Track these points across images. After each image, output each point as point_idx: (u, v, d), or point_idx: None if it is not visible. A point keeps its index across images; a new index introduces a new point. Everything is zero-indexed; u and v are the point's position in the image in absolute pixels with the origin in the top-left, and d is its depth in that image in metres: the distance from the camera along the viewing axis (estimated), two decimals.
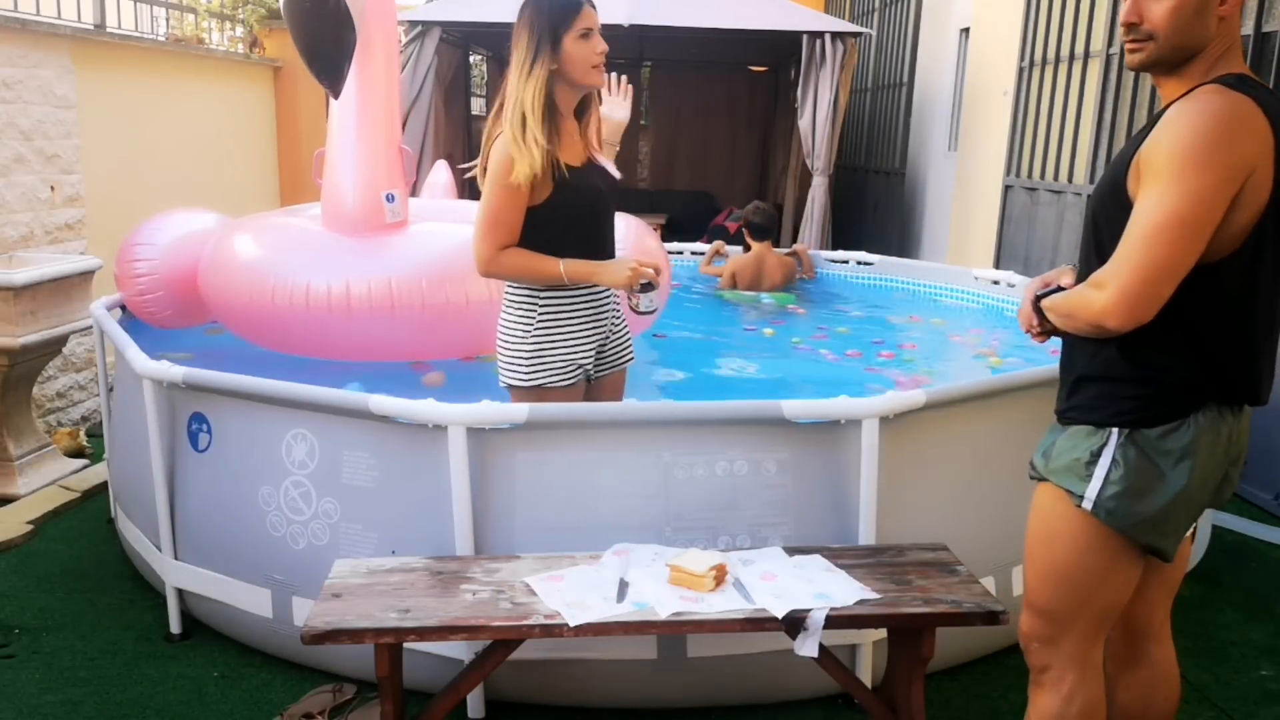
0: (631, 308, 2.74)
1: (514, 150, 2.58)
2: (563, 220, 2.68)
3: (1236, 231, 1.73)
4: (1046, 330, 1.95)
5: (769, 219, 5.96)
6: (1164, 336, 1.78)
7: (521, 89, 2.62)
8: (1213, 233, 1.70)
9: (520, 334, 2.73)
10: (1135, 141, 1.82)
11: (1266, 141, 1.71)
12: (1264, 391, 1.87)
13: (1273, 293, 1.81)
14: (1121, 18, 1.87)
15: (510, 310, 2.77)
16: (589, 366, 2.82)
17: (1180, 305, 1.74)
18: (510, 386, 2.78)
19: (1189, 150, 1.68)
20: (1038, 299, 1.96)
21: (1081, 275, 1.90)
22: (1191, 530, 2.03)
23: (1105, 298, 1.73)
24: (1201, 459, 1.81)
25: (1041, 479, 1.97)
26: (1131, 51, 1.85)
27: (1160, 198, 1.70)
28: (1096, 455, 1.85)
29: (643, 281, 2.65)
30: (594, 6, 2.71)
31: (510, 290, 2.78)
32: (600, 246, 2.76)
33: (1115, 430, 1.84)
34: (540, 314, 2.72)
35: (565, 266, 2.64)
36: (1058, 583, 1.95)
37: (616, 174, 2.85)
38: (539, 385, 2.73)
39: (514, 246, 2.67)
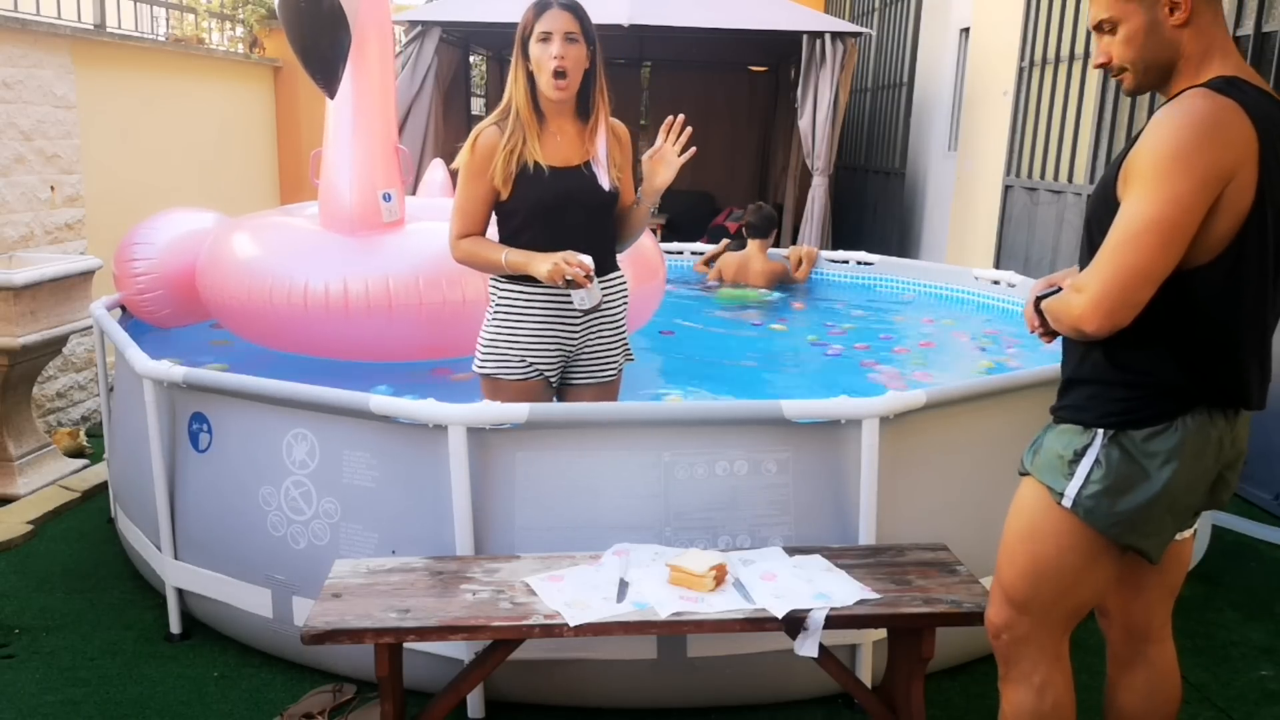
0: (580, 306, 2.74)
1: (470, 140, 2.73)
2: (523, 216, 2.75)
3: (1218, 237, 1.72)
4: (1049, 330, 1.95)
5: (764, 219, 6.00)
6: (1148, 341, 1.78)
7: (511, 90, 2.75)
8: (1190, 238, 1.70)
9: (486, 321, 2.85)
10: (1129, 145, 1.83)
11: (1249, 147, 1.69)
12: (1255, 396, 1.86)
13: (1260, 298, 1.80)
14: (1094, 62, 1.94)
15: (490, 298, 2.88)
16: (548, 369, 2.81)
17: (1163, 310, 1.74)
18: (475, 371, 2.88)
19: (1166, 156, 1.68)
20: (1039, 299, 1.97)
21: None
22: (1191, 532, 2.03)
23: (1082, 302, 1.75)
24: (1187, 462, 1.81)
25: (1026, 474, 1.98)
26: (1120, 83, 1.91)
27: (1138, 203, 1.70)
28: (1080, 454, 1.86)
29: (566, 278, 2.60)
30: (569, 9, 2.66)
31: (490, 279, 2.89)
32: (564, 247, 2.68)
33: (1101, 431, 1.84)
34: (496, 304, 2.82)
35: (507, 255, 2.71)
36: (1035, 577, 1.95)
37: (606, 185, 2.76)
38: (489, 374, 2.82)
39: (478, 235, 2.80)
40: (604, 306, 2.84)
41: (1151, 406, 1.81)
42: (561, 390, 2.91)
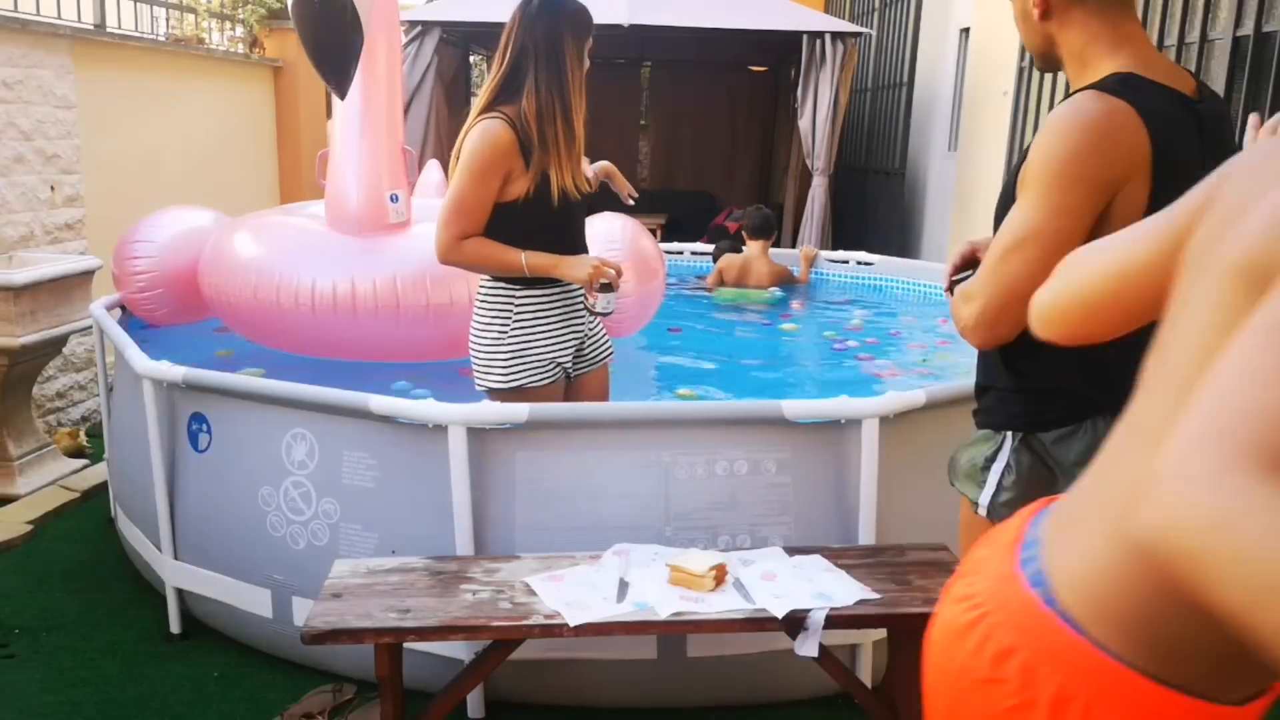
0: (588, 307, 2.80)
1: (488, 137, 2.60)
2: (537, 219, 2.68)
3: None
4: None
5: (764, 220, 6.01)
6: (1045, 351, 1.68)
7: (575, 90, 2.67)
8: (1077, 247, 1.63)
9: (496, 335, 2.73)
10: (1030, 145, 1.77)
11: (1141, 150, 1.61)
12: None
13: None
14: None
15: (484, 311, 2.76)
16: (568, 365, 2.84)
17: None
18: (489, 390, 2.77)
19: (1051, 164, 1.61)
20: (954, 281, 1.93)
21: None
22: None
23: (967, 315, 1.69)
24: None
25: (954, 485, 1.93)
26: None
27: (1021, 212, 1.64)
28: (991, 460, 1.80)
29: (602, 281, 2.65)
30: None
31: (483, 290, 2.78)
32: (570, 249, 2.75)
33: (1010, 434, 1.79)
34: (517, 314, 2.73)
35: (527, 258, 2.64)
36: None
37: (593, 184, 2.87)
38: (519, 386, 2.73)
39: (477, 236, 2.68)
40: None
41: (1057, 409, 1.75)
42: (576, 381, 2.91)
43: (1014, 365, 1.78)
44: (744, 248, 6.15)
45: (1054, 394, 1.75)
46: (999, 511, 1.78)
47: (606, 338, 3.00)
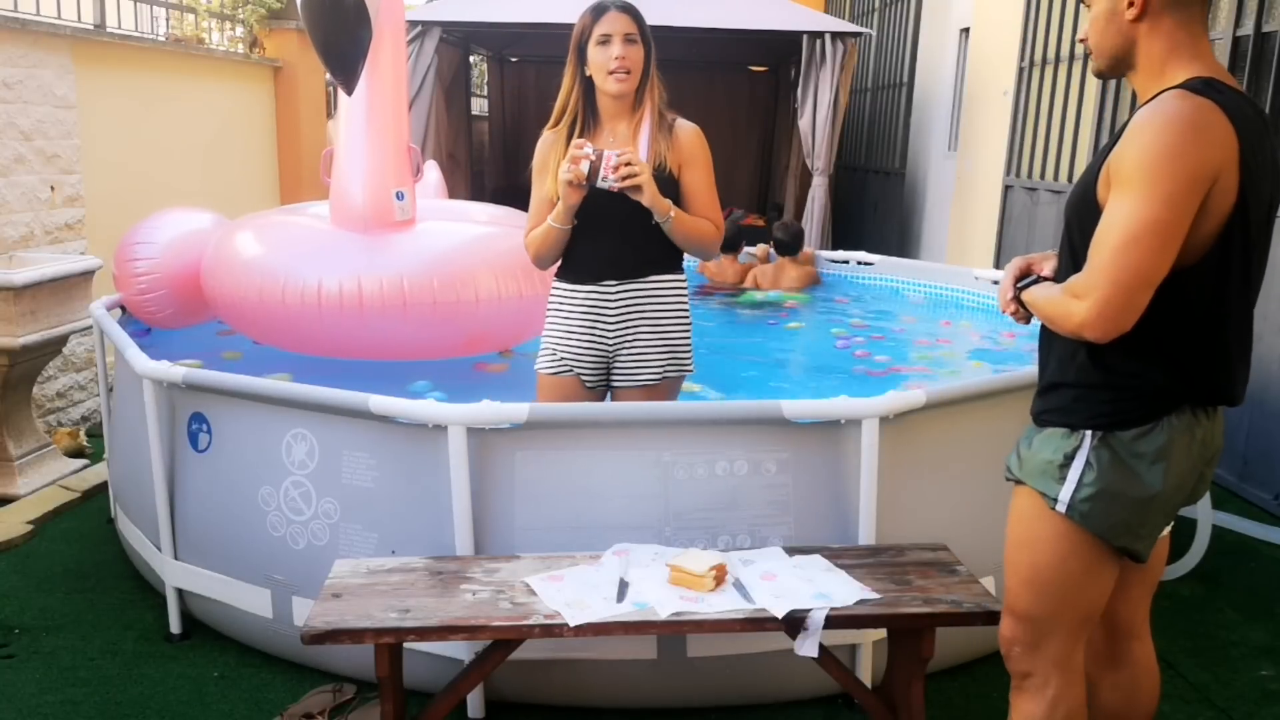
0: (614, 182, 2.61)
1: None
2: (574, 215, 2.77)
3: (1204, 237, 1.73)
4: (1028, 315, 1.97)
5: (793, 236, 6.14)
6: (1135, 344, 1.77)
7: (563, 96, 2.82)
8: (1183, 239, 1.70)
9: None
10: (1108, 146, 1.82)
11: (1231, 146, 1.69)
12: (1239, 393, 1.87)
13: (1243, 296, 1.81)
14: (1079, 37, 1.99)
15: None
16: (582, 369, 2.83)
17: (1151, 312, 1.74)
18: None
19: (1155, 158, 1.68)
20: (1019, 288, 1.97)
21: (1060, 277, 1.90)
22: (1169, 529, 2.03)
23: (1084, 310, 1.73)
24: (1177, 461, 1.82)
25: (1018, 481, 1.96)
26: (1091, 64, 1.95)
27: (1130, 206, 1.69)
28: (1070, 458, 1.85)
29: (587, 161, 2.57)
30: (627, 11, 2.70)
31: None
32: (604, 242, 2.75)
33: (1089, 433, 1.84)
34: (547, 302, 2.92)
35: (551, 218, 2.74)
36: (1039, 587, 1.94)
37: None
38: (537, 369, 2.90)
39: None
40: (646, 309, 2.81)
41: (1138, 408, 1.81)
42: (614, 394, 2.92)
43: (1103, 360, 1.82)
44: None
45: (1138, 390, 1.81)
46: (1079, 507, 1.84)
47: (655, 358, 2.83)
